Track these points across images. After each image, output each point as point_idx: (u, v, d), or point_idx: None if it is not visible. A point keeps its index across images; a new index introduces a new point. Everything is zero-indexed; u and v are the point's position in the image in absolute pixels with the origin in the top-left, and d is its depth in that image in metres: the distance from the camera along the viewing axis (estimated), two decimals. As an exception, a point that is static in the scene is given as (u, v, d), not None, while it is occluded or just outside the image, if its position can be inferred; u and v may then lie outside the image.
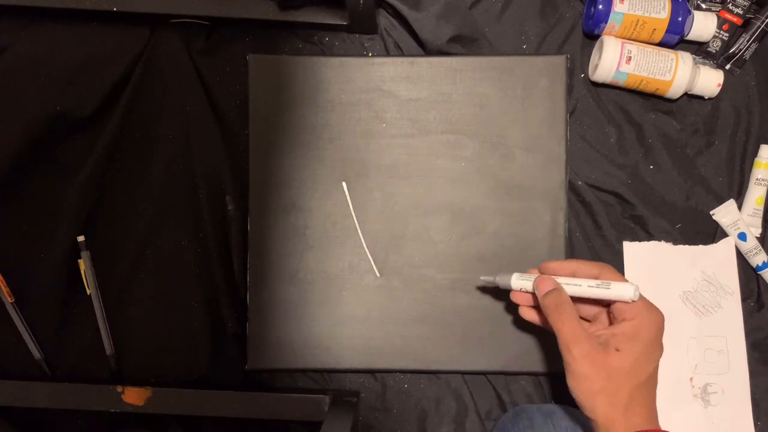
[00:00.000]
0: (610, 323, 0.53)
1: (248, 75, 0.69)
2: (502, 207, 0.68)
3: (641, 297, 0.51)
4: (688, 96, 0.71)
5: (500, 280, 0.59)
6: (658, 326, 0.51)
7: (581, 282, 0.53)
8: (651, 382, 0.50)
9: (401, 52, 0.72)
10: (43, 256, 0.70)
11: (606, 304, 0.54)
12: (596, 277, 0.53)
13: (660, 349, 0.51)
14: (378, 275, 0.69)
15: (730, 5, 0.70)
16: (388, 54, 0.72)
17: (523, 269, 0.68)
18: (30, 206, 0.71)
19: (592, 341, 0.50)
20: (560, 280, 0.54)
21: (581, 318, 0.54)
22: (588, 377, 0.49)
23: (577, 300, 0.54)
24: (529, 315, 0.59)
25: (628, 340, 0.50)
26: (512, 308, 0.68)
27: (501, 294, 0.68)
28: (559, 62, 0.68)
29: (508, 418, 0.65)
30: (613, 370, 0.49)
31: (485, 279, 0.61)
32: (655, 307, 0.52)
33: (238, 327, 0.70)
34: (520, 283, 0.57)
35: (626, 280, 0.52)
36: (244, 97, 0.70)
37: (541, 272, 0.57)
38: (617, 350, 0.49)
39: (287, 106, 0.69)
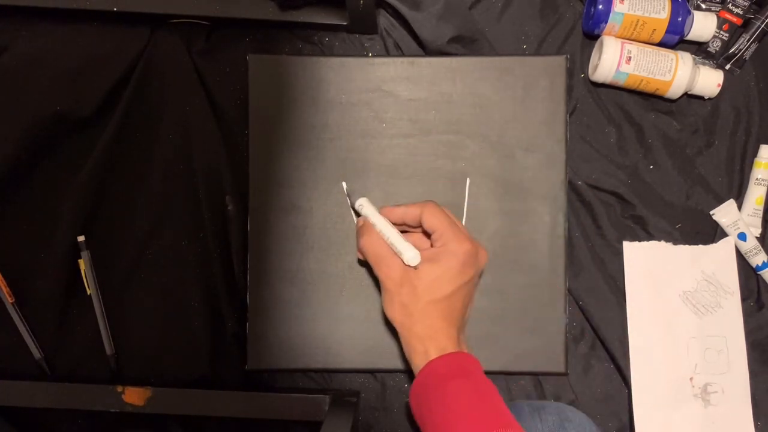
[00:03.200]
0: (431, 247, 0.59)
1: (248, 75, 0.69)
2: (502, 207, 0.68)
3: (447, 232, 0.57)
4: (688, 96, 0.71)
5: (352, 198, 0.66)
6: (461, 256, 0.56)
7: (387, 229, 0.59)
8: (451, 301, 0.56)
9: (401, 52, 0.72)
10: (43, 256, 0.70)
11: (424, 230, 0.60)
12: (419, 218, 0.59)
13: (466, 275, 0.56)
14: (378, 275, 0.69)
15: (730, 5, 0.70)
16: (388, 54, 0.72)
17: (523, 269, 0.68)
18: (30, 206, 0.71)
19: (394, 261, 0.57)
20: (379, 221, 0.60)
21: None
22: (389, 291, 0.57)
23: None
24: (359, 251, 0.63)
25: (428, 261, 0.56)
26: (512, 308, 0.68)
27: (501, 294, 0.68)
28: (559, 62, 0.68)
29: None
30: (412, 286, 0.56)
31: (345, 187, 0.68)
32: (465, 239, 0.57)
33: (238, 327, 0.70)
34: (358, 206, 0.63)
35: (442, 219, 0.58)
36: (244, 97, 0.70)
37: (381, 212, 0.62)
38: (416, 270, 0.56)
39: (287, 106, 0.69)
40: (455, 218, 0.60)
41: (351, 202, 0.65)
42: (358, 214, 0.64)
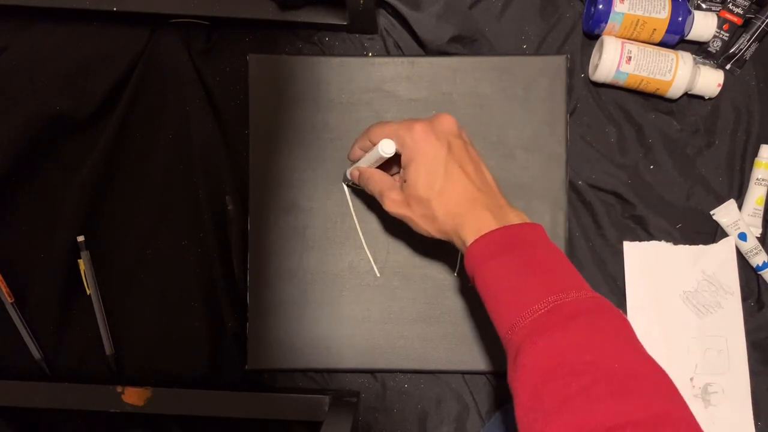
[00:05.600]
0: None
1: (248, 75, 0.69)
2: (502, 207, 0.68)
3: (399, 131, 0.54)
4: (688, 96, 0.71)
5: (345, 178, 0.66)
6: (421, 137, 0.53)
7: (363, 160, 0.59)
8: (453, 180, 0.52)
9: (401, 52, 0.72)
10: (43, 256, 0.70)
11: (397, 161, 0.58)
12: (373, 142, 0.57)
13: (442, 149, 0.53)
14: (378, 275, 0.69)
15: (730, 5, 0.70)
16: (388, 54, 0.72)
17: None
18: (30, 206, 0.71)
19: (394, 189, 0.56)
20: (359, 163, 0.60)
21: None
22: (406, 216, 0.55)
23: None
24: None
25: (406, 168, 0.54)
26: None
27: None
28: (559, 62, 0.68)
29: (499, 414, 0.65)
30: (411, 197, 0.54)
31: (345, 177, 0.66)
32: (413, 123, 0.54)
33: (238, 327, 0.70)
34: (348, 176, 0.63)
35: (388, 126, 0.56)
36: (244, 97, 0.70)
37: (352, 162, 0.62)
38: (405, 181, 0.54)
39: (287, 106, 0.69)
40: (398, 122, 0.57)
41: (347, 183, 0.67)
42: (351, 186, 0.68)
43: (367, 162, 0.59)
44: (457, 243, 0.52)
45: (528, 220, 0.51)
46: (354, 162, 0.62)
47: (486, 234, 0.49)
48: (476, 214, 0.51)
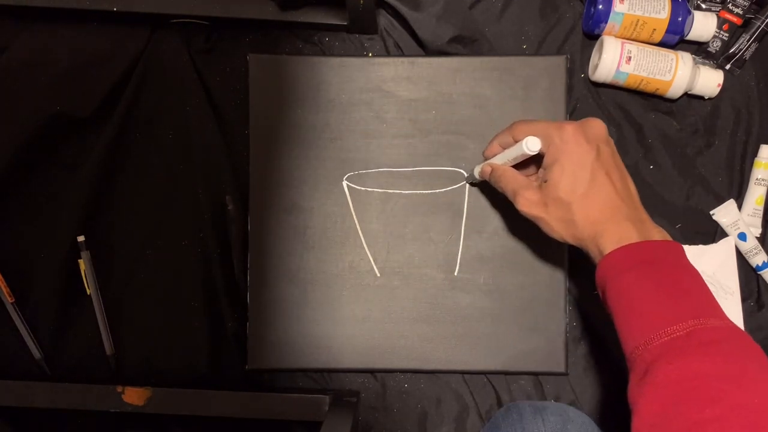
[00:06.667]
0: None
1: (248, 75, 0.69)
2: (502, 207, 0.68)
3: (547, 129, 0.53)
4: (688, 96, 0.71)
5: (473, 176, 0.65)
6: (571, 137, 0.52)
7: (501, 156, 0.58)
8: (598, 187, 0.51)
9: (401, 52, 0.72)
10: (43, 256, 0.70)
11: (534, 160, 0.57)
12: (515, 138, 0.56)
13: (592, 152, 0.52)
14: (378, 275, 0.69)
15: (730, 5, 0.70)
16: (388, 54, 0.72)
17: (523, 269, 0.68)
18: (30, 206, 0.71)
19: (530, 189, 0.54)
20: (493, 160, 0.60)
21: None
22: (541, 218, 0.53)
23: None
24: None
25: (549, 168, 0.52)
26: (512, 308, 0.68)
27: (501, 294, 0.68)
28: (559, 62, 0.68)
29: (499, 414, 0.65)
30: (552, 199, 0.52)
31: (471, 175, 0.66)
32: (565, 124, 0.53)
33: (238, 327, 0.70)
34: (477, 173, 0.63)
35: (535, 123, 0.55)
36: (244, 97, 0.70)
37: (486, 158, 0.61)
38: (545, 182, 0.53)
39: (287, 106, 0.69)
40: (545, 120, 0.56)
41: (471, 180, 0.67)
42: (472, 184, 0.67)
43: (503, 159, 0.57)
44: (593, 251, 0.51)
45: (670, 239, 0.50)
46: (487, 159, 0.61)
47: (627, 245, 0.48)
48: (618, 224, 0.50)
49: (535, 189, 0.54)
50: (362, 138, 0.69)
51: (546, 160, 0.53)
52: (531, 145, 0.52)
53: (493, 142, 0.60)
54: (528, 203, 0.54)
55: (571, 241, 0.53)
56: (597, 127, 0.53)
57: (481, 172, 0.61)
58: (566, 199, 0.51)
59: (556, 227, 0.53)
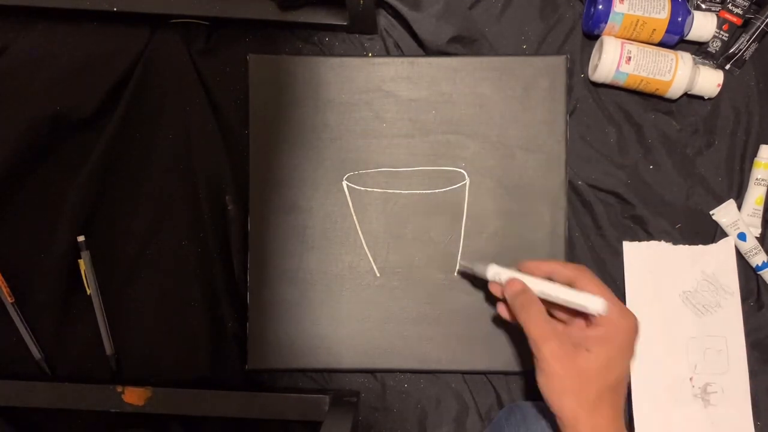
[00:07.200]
0: (586, 326, 0.53)
1: (248, 75, 0.69)
2: (502, 207, 0.68)
3: (613, 306, 0.51)
4: (688, 96, 0.71)
5: (477, 269, 0.58)
6: (631, 332, 0.51)
7: (551, 288, 0.53)
8: (620, 385, 0.51)
9: (401, 52, 0.72)
10: (43, 256, 0.70)
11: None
12: (572, 281, 0.54)
13: (631, 354, 0.51)
14: (378, 275, 0.69)
15: (729, 5, 0.70)
16: (388, 54, 0.72)
17: (523, 269, 0.68)
18: (30, 206, 0.71)
19: (562, 340, 0.51)
20: (532, 281, 0.54)
21: (557, 319, 0.55)
22: (556, 375, 0.50)
23: (549, 303, 0.54)
24: (503, 311, 0.59)
25: (599, 342, 0.50)
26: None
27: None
28: (559, 62, 0.68)
29: (502, 414, 0.65)
30: (582, 369, 0.49)
31: (464, 264, 0.61)
32: (629, 313, 0.52)
33: (238, 327, 0.70)
34: (494, 275, 0.56)
35: (602, 286, 0.52)
36: (244, 97, 0.70)
37: (520, 270, 0.57)
38: (587, 351, 0.50)
39: (287, 106, 0.69)
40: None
41: (479, 274, 0.58)
42: (463, 274, 0.59)
43: (543, 287, 0.53)
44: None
45: None
46: (521, 271, 0.55)
47: None
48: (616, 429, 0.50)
49: (565, 343, 0.50)
50: (362, 138, 0.69)
51: (597, 332, 0.51)
52: (598, 306, 0.50)
53: (543, 263, 0.55)
54: (552, 355, 0.50)
55: (565, 415, 0.50)
56: (637, 327, 0.52)
57: (507, 281, 0.55)
58: (594, 380, 0.49)
59: (565, 396, 0.50)
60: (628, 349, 0.51)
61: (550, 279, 0.55)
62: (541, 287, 0.53)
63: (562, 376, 0.49)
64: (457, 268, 0.67)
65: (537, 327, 0.51)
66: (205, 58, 0.71)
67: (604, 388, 0.49)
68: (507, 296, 0.55)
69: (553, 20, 0.72)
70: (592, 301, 0.50)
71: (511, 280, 0.55)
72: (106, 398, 0.67)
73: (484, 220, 0.68)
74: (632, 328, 0.51)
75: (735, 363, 0.69)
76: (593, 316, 0.52)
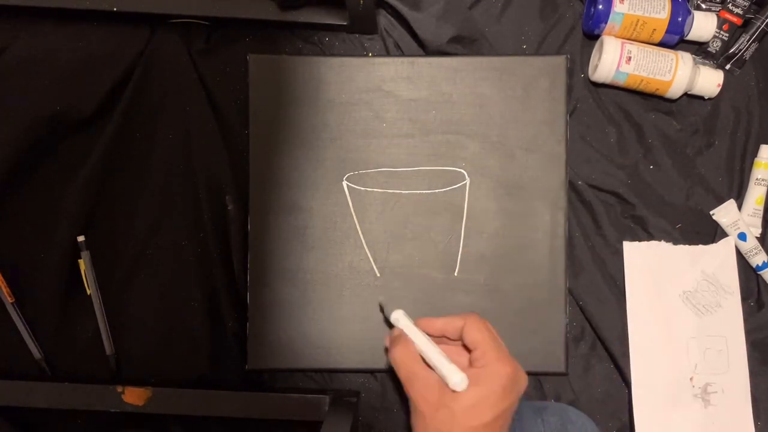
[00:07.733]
0: (467, 365, 0.53)
1: (248, 75, 0.69)
2: (502, 207, 0.68)
3: (492, 351, 0.51)
4: (688, 96, 0.71)
5: (387, 309, 0.59)
6: (505, 380, 0.51)
7: (428, 350, 0.53)
8: (490, 429, 0.50)
9: (401, 52, 0.72)
10: (43, 256, 0.70)
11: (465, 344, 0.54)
12: (460, 331, 0.54)
13: (507, 401, 0.51)
14: (378, 275, 0.69)
15: (730, 5, 0.70)
16: (388, 54, 0.72)
17: (523, 269, 0.68)
18: (30, 206, 0.71)
19: (429, 381, 0.51)
20: (419, 338, 0.54)
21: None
22: (423, 414, 0.50)
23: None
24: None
25: (471, 383, 0.50)
26: (512, 308, 0.68)
27: (501, 294, 0.68)
28: (559, 62, 0.68)
29: None
30: (448, 409, 0.50)
31: (381, 300, 0.63)
32: (509, 361, 0.52)
33: (238, 327, 0.70)
34: (394, 320, 0.57)
35: (485, 333, 0.52)
36: (244, 97, 0.70)
37: (417, 325, 0.57)
38: (454, 391, 0.50)
39: (287, 106, 0.69)
40: (497, 334, 0.54)
41: (386, 314, 0.59)
42: (391, 325, 0.58)
43: (422, 349, 0.53)
44: None
45: None
46: (421, 328, 0.56)
47: None
48: None
49: (436, 385, 0.51)
50: (362, 138, 0.69)
51: (470, 373, 0.51)
52: (456, 382, 0.50)
53: (437, 320, 0.56)
54: (423, 394, 0.51)
55: None
56: (524, 383, 0.52)
57: (397, 330, 0.56)
58: (459, 421, 0.49)
59: (428, 428, 0.50)
60: (502, 395, 0.50)
61: (444, 335, 0.56)
62: (420, 345, 0.54)
63: (427, 416, 0.50)
64: (380, 299, 0.66)
65: (405, 368, 0.53)
66: (205, 58, 0.71)
67: (470, 429, 0.49)
68: (389, 347, 0.56)
69: (553, 20, 0.72)
70: (453, 375, 0.50)
71: (395, 329, 0.57)
72: (106, 398, 0.67)
73: (484, 220, 0.68)
74: (508, 375, 0.51)
75: (735, 363, 0.69)
76: (472, 359, 0.52)
